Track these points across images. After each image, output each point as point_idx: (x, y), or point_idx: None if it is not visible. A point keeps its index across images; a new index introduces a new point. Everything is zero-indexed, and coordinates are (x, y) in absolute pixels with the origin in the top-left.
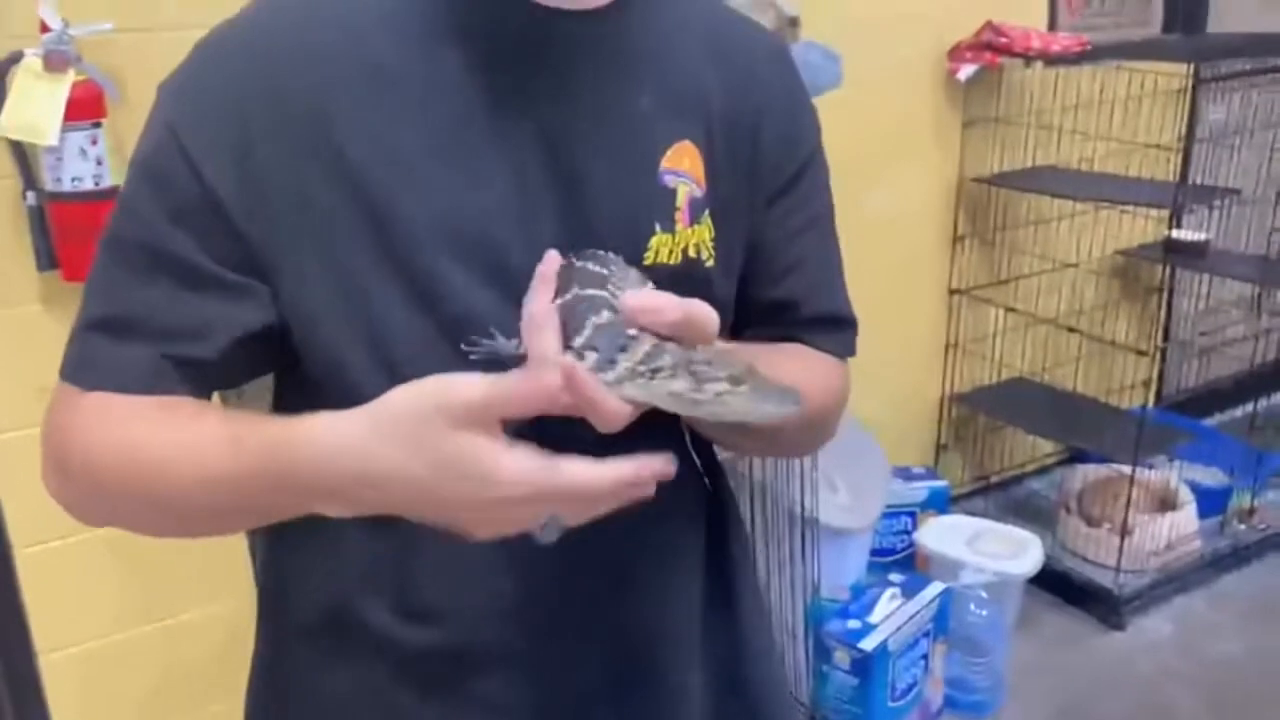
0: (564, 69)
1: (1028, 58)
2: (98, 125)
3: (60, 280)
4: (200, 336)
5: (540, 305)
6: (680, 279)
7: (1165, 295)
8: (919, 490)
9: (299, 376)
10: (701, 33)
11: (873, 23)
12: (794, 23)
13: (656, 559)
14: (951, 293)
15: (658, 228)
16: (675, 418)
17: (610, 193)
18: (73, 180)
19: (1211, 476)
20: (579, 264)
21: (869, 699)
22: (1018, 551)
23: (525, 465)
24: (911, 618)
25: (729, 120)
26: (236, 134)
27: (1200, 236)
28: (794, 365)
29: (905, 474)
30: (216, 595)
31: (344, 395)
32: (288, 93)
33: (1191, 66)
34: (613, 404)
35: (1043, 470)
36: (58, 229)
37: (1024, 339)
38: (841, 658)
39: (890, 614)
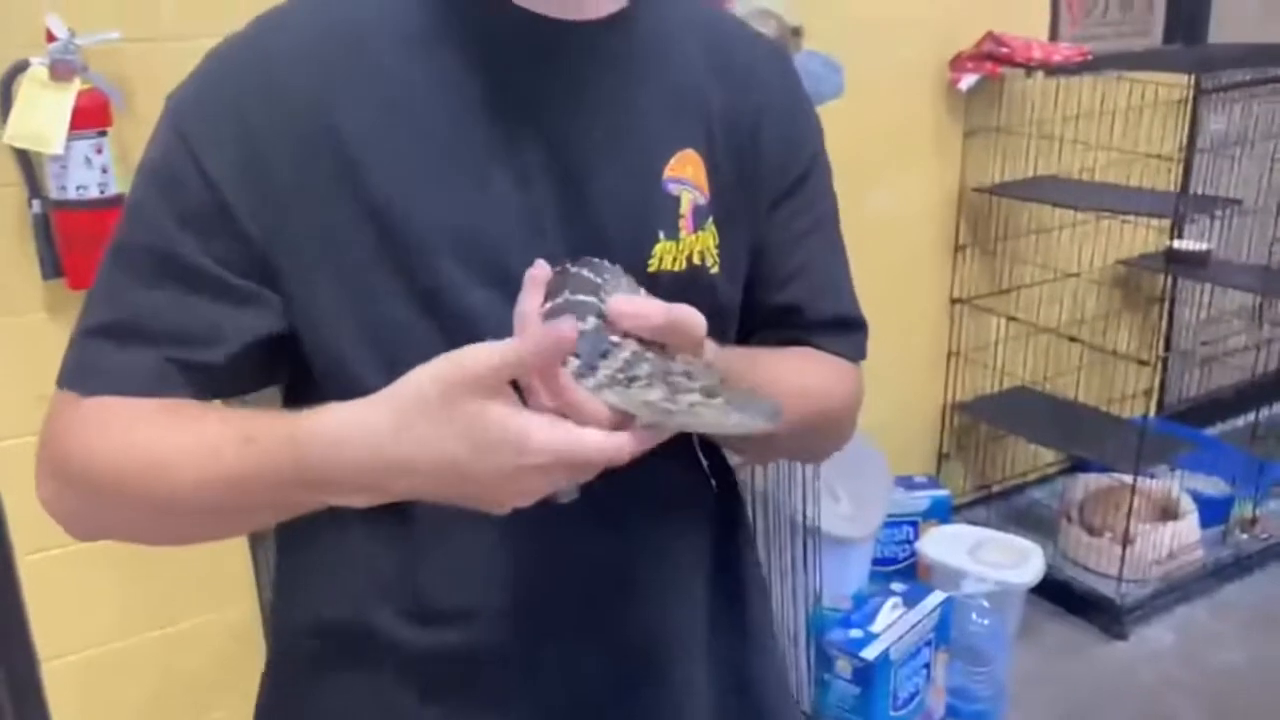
0: (569, 78)
1: (1029, 68)
2: (103, 134)
3: (65, 288)
4: (208, 342)
5: (529, 308)
6: (685, 286)
7: (1167, 305)
8: (921, 499)
9: (307, 387)
10: (701, 37)
11: (874, 33)
12: (796, 32)
13: (663, 559)
14: (953, 302)
15: (662, 235)
16: None
17: (615, 200)
18: (78, 188)
19: (1213, 486)
20: (574, 270)
21: (871, 708)
22: (1019, 561)
23: (551, 433)
24: (913, 627)
25: (729, 121)
26: (245, 143)
27: (1202, 246)
28: (799, 367)
29: (907, 483)
30: (217, 603)
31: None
32: (295, 102)
33: (1192, 77)
34: (591, 407)
35: (1044, 479)
36: (62, 237)
37: (1025, 348)
38: (843, 667)
39: (892, 623)
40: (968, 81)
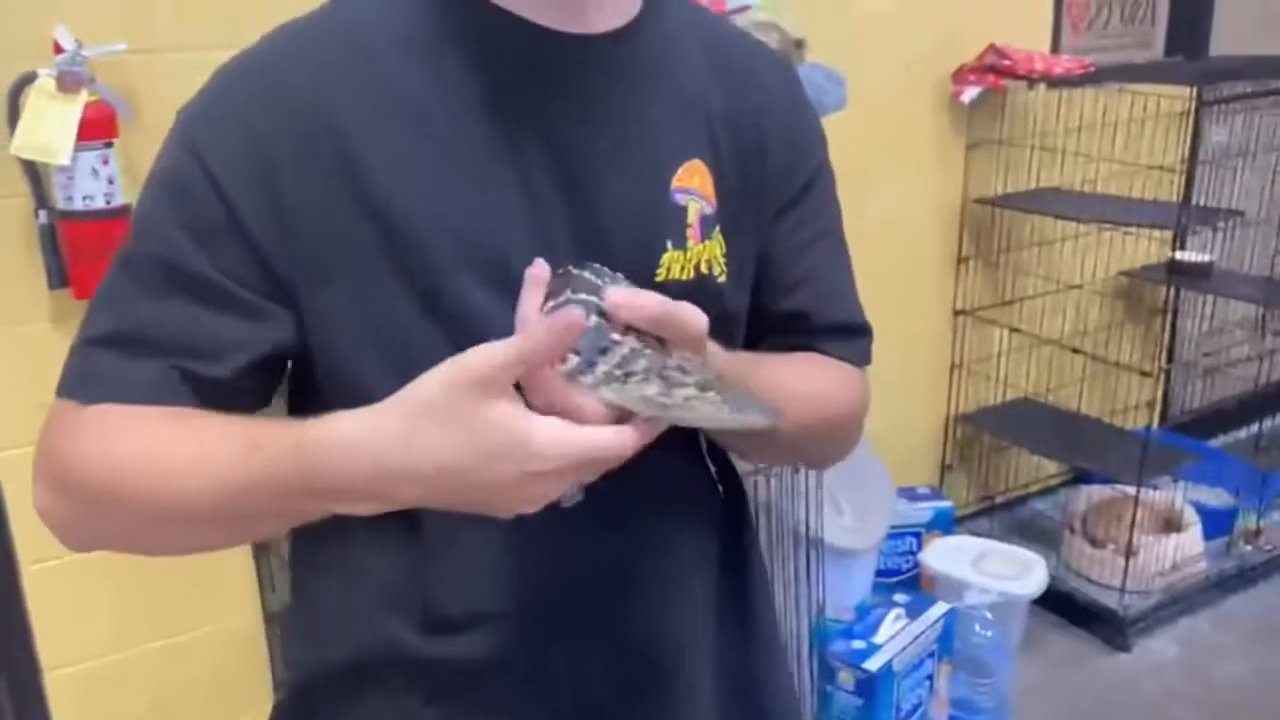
0: (575, 91)
1: (1031, 80)
2: (109, 145)
3: (71, 299)
4: (215, 356)
5: (530, 308)
6: (693, 294)
7: (1169, 316)
8: (924, 511)
9: (311, 395)
10: (701, 38)
11: (877, 45)
12: (799, 44)
13: (669, 562)
14: (956, 313)
15: (669, 244)
16: None
17: (623, 211)
18: (84, 199)
19: (1217, 497)
20: (576, 272)
21: (874, 719)
22: (1022, 572)
23: (554, 433)
24: (916, 638)
25: (732, 125)
26: (252, 149)
27: (1204, 258)
28: (805, 372)
29: (910, 494)
30: (220, 613)
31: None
32: (296, 102)
33: (1194, 89)
34: (590, 408)
35: (1047, 491)
36: (69, 247)
37: (1028, 359)
38: (846, 678)
39: (895, 634)
40: (970, 94)
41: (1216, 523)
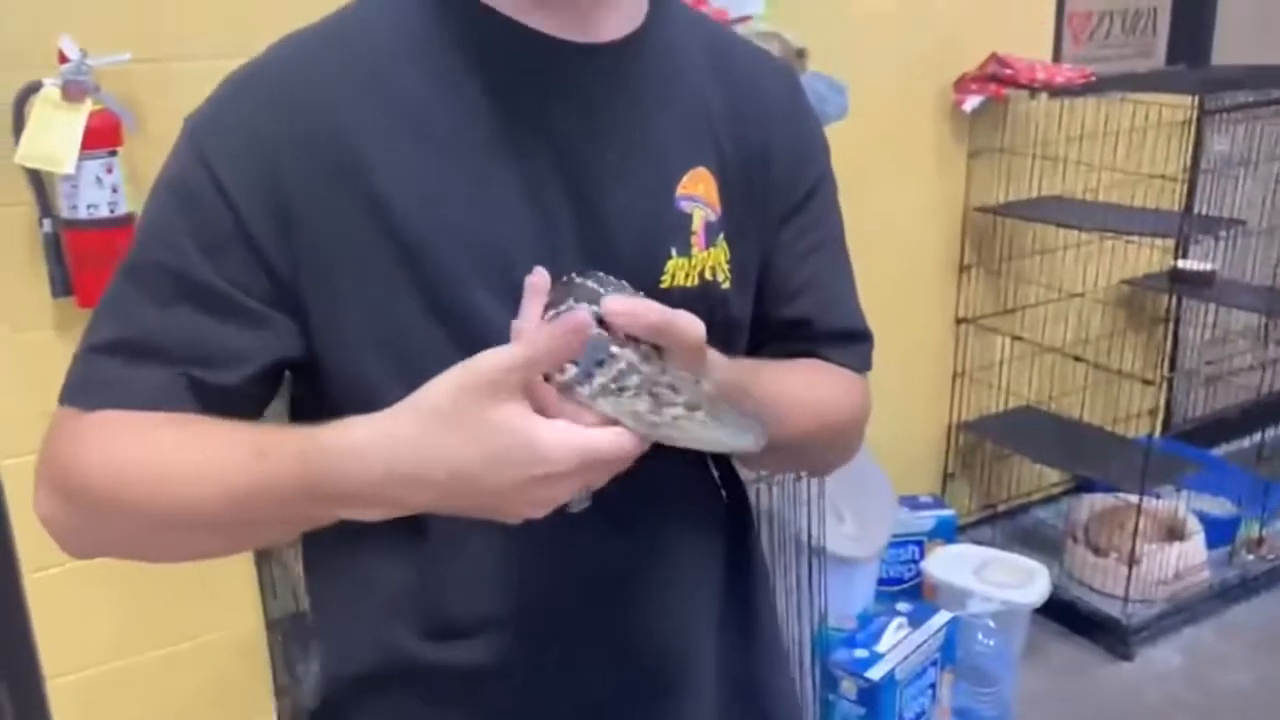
0: (583, 99)
1: (1033, 89)
2: (114, 154)
3: (74, 307)
4: (220, 364)
5: (529, 317)
6: (697, 301)
7: (1171, 325)
8: (926, 519)
9: (316, 401)
10: (703, 40)
11: (879, 54)
12: (801, 54)
13: (671, 567)
14: (958, 321)
15: (674, 252)
16: None
17: (628, 218)
18: (88, 208)
19: (1219, 506)
20: (579, 281)
21: None
22: (1025, 581)
23: (564, 437)
24: (919, 647)
25: (734, 129)
26: (258, 155)
27: (1206, 266)
28: (807, 379)
29: (912, 503)
30: (221, 621)
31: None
32: (299, 104)
33: (1196, 98)
34: (587, 420)
35: (1050, 499)
36: (73, 256)
37: (1031, 368)
38: (848, 687)
39: (897, 643)
40: (972, 103)
41: (1219, 532)
